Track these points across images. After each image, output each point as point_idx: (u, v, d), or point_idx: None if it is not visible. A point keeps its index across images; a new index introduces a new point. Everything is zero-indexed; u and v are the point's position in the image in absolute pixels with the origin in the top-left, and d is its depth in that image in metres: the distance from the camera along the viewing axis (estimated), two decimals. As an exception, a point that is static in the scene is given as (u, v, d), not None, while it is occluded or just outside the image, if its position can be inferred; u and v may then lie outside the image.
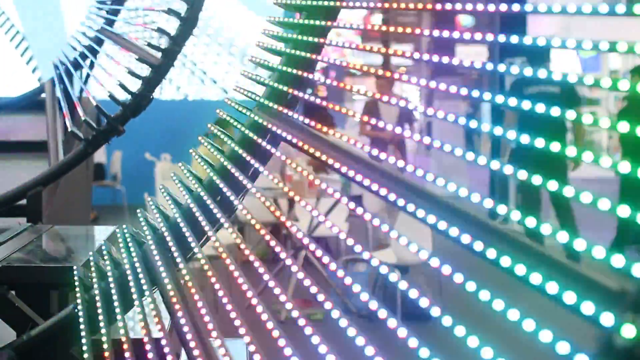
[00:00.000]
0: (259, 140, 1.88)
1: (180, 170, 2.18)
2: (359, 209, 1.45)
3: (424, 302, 1.29)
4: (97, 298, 2.00)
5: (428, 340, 1.17)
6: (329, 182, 1.66)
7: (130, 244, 2.06)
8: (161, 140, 10.98)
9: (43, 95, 4.39)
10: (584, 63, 20.58)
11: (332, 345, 1.34)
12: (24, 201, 3.31)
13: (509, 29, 11.09)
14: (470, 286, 1.18)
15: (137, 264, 1.97)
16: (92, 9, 4.24)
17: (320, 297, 1.50)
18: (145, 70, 3.10)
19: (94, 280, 2.07)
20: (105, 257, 2.12)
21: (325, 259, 1.52)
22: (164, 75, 3.07)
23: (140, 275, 1.92)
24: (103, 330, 1.86)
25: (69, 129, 3.25)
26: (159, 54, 3.08)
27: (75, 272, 2.17)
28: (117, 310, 1.89)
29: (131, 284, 1.92)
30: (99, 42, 3.99)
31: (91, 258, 2.17)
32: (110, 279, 2.02)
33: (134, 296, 1.90)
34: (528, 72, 1.27)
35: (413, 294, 1.29)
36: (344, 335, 1.36)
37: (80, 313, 2.01)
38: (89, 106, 3.80)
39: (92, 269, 2.12)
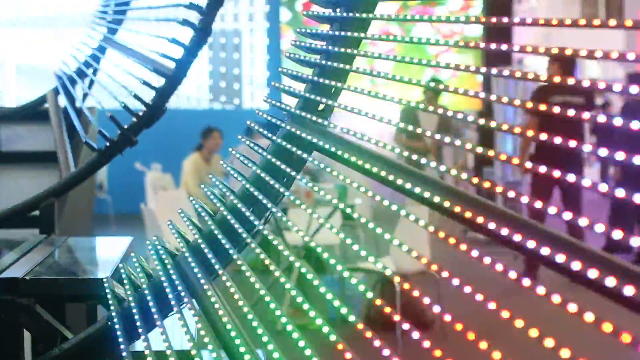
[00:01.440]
0: (294, 150, 1.89)
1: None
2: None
3: (436, 309, 1.32)
4: (134, 310, 2.00)
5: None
6: (325, 191, 1.68)
7: (163, 255, 2.06)
8: (151, 149, 10.96)
9: (45, 105, 4.37)
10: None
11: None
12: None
13: (496, 38, 11.20)
14: (467, 289, 1.22)
15: (173, 275, 1.97)
16: (94, 18, 4.24)
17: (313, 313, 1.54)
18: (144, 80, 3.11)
19: (128, 291, 2.07)
20: (138, 269, 2.11)
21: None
22: (178, 85, 3.07)
23: (179, 287, 1.92)
24: (144, 343, 1.86)
25: (83, 140, 3.24)
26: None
27: (105, 284, 2.17)
28: (158, 322, 1.89)
29: (170, 295, 1.92)
30: (103, 50, 3.98)
31: (122, 270, 2.17)
32: (146, 291, 2.01)
33: (173, 307, 1.91)
34: (555, 79, 1.30)
35: (426, 301, 1.33)
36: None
37: (117, 325, 2.01)
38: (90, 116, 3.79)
39: (124, 280, 2.11)
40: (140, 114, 3.12)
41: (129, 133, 3.13)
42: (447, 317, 1.23)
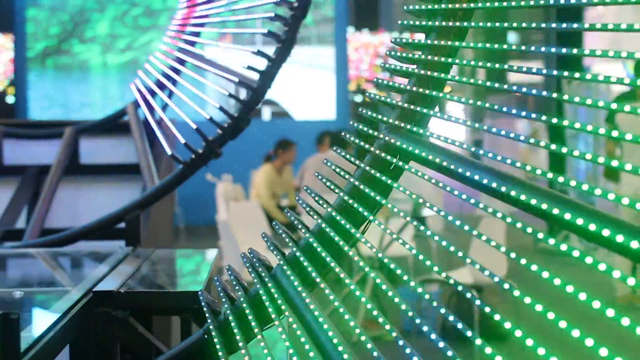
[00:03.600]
0: (394, 160, 1.87)
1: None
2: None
3: (496, 317, 1.31)
4: (232, 323, 1.98)
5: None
6: (398, 203, 1.66)
7: (259, 268, 2.05)
8: (222, 160, 10.99)
9: (124, 117, 4.41)
10: (630, 78, 20.40)
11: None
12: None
13: (566, 43, 11.05)
14: (538, 307, 1.19)
15: (271, 288, 1.95)
16: (173, 30, 4.26)
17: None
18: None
19: (225, 304, 2.05)
20: (234, 281, 2.10)
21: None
22: (262, 97, 3.06)
23: (278, 300, 1.90)
24: (246, 358, 1.84)
25: (168, 153, 3.25)
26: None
27: (200, 297, 2.16)
28: (259, 336, 1.88)
29: (270, 309, 1.91)
30: (182, 62, 4.01)
31: (217, 282, 2.15)
32: (244, 304, 2.00)
33: (273, 320, 1.90)
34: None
35: (486, 309, 1.32)
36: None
37: (215, 339, 1.99)
38: (168, 128, 3.81)
39: (220, 293, 2.10)
40: (225, 125, 3.12)
41: (214, 145, 3.13)
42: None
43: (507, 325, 1.29)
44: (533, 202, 1.38)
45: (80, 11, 15.35)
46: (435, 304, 1.52)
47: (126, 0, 15.47)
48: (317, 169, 8.35)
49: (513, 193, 1.46)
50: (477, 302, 1.40)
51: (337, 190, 1.99)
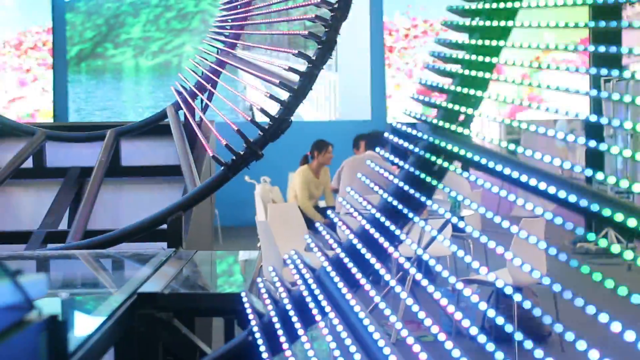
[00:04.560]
0: (438, 161, 1.86)
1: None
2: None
3: (546, 320, 1.30)
4: (277, 325, 1.98)
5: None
6: (438, 202, 1.65)
7: (303, 269, 2.05)
8: (260, 162, 10.97)
9: (165, 120, 4.43)
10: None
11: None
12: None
13: (604, 42, 10.87)
14: (590, 309, 1.18)
15: (315, 289, 1.95)
16: (212, 32, 4.27)
17: (428, 322, 1.53)
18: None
19: (270, 306, 2.06)
20: (277, 283, 2.10)
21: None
22: (303, 98, 3.07)
23: (323, 302, 1.90)
24: (292, 358, 1.84)
25: (210, 154, 3.26)
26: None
27: (244, 298, 2.16)
28: (304, 338, 1.87)
29: (314, 311, 1.90)
30: (222, 64, 4.02)
31: (260, 284, 2.16)
32: (288, 306, 2.00)
33: (316, 321, 1.89)
34: None
35: (537, 312, 1.31)
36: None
37: (260, 340, 2.00)
38: (208, 130, 3.82)
39: (264, 294, 2.10)
40: (266, 127, 3.13)
41: (256, 147, 3.14)
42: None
43: (558, 328, 1.27)
44: (595, 208, 1.36)
45: (115, 15, 15.45)
46: (485, 306, 1.51)
47: (160, 3, 15.52)
48: (354, 170, 8.33)
49: (562, 194, 1.44)
50: (528, 303, 1.38)
51: (380, 191, 1.99)
